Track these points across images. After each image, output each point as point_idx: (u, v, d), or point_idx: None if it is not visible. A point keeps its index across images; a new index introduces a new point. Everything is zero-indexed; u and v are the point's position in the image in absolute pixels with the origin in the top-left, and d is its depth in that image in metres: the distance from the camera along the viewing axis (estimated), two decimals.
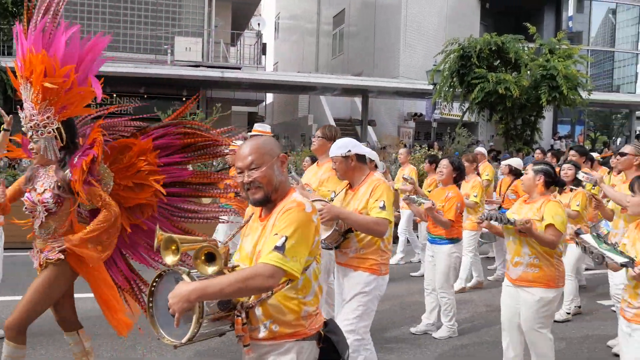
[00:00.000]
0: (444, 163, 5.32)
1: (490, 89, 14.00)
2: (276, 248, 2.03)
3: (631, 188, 3.20)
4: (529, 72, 14.64)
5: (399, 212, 8.23)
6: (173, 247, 2.20)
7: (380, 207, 3.37)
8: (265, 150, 2.23)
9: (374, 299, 3.56)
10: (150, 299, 2.20)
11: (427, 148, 14.58)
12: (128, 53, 19.97)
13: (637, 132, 29.07)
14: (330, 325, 2.30)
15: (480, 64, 14.52)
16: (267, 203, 2.25)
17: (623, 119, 31.33)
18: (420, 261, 7.92)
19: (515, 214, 3.92)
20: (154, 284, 2.21)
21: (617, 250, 2.96)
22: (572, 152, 7.33)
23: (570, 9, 31.23)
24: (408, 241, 8.60)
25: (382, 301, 6.38)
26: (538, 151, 7.86)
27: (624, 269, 2.95)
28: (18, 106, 3.40)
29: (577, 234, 3.13)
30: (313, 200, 3.49)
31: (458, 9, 24.99)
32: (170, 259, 2.20)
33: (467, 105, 15.72)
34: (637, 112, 31.22)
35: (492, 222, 3.80)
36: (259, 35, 23.30)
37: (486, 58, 14.74)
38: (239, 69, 21.04)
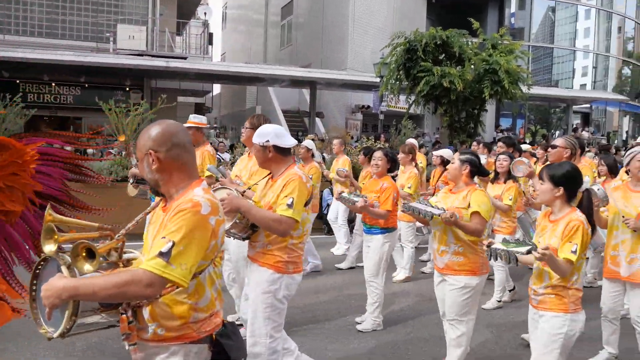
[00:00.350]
0: (378, 155, 5.30)
1: (435, 82, 14.22)
2: (160, 254, 1.88)
3: (540, 177, 3.29)
4: (472, 66, 14.95)
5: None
6: (55, 236, 2.06)
7: (288, 205, 3.20)
8: (139, 145, 2.13)
9: (282, 299, 3.39)
10: (34, 282, 2.08)
11: (373, 140, 14.72)
12: (68, 40, 19.22)
13: (574, 126, 30.29)
14: (228, 329, 2.20)
15: (425, 58, 14.73)
16: (162, 195, 2.15)
17: (561, 113, 32.57)
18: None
19: (440, 202, 3.99)
20: (39, 267, 2.09)
21: (521, 243, 3.07)
22: (499, 143, 7.52)
23: (512, 6, 32.14)
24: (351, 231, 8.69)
25: (327, 291, 6.48)
26: (474, 143, 7.99)
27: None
28: None
29: (489, 246, 3.21)
30: (216, 190, 3.43)
31: (405, 3, 25.31)
32: (49, 247, 2.05)
33: (413, 98, 15.93)
34: (574, 107, 32.52)
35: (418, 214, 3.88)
36: (205, 24, 22.88)
37: (432, 52, 14.96)
38: (185, 58, 20.60)
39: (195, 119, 5.68)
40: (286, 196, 3.23)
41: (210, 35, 23.46)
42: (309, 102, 23.03)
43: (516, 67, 14.75)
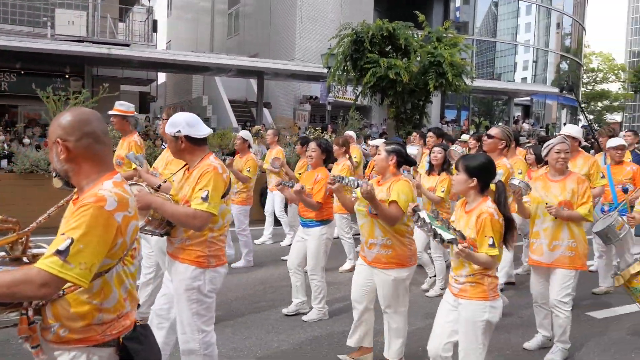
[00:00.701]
0: (312, 146, 5.21)
1: (381, 73, 14.33)
2: (58, 252, 1.76)
3: (456, 167, 3.37)
4: (418, 58, 15.16)
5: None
6: None
7: (202, 198, 3.05)
8: (49, 132, 2.02)
9: (208, 293, 3.26)
10: None
11: (321, 131, 14.75)
12: (2, 24, 18.33)
13: (515, 118, 31.27)
14: (138, 331, 2.09)
15: (372, 49, 14.82)
16: (73, 187, 2.05)
17: (503, 105, 33.53)
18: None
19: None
20: None
21: (447, 228, 3.08)
22: (429, 133, 7.65)
23: (457, 0, 32.80)
24: (277, 222, 8.75)
25: (272, 282, 6.47)
26: (414, 133, 8.06)
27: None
28: None
29: (414, 210, 3.25)
30: (130, 184, 3.31)
31: None
32: None
33: (360, 89, 16.03)
34: (515, 99, 33.57)
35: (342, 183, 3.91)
36: (149, 11, 22.32)
37: (378, 43, 15.05)
38: (128, 46, 20.02)
39: (120, 107, 5.41)
40: (201, 189, 3.08)
41: (155, 23, 22.90)
42: (257, 92, 22.85)
43: (460, 60, 15.05)
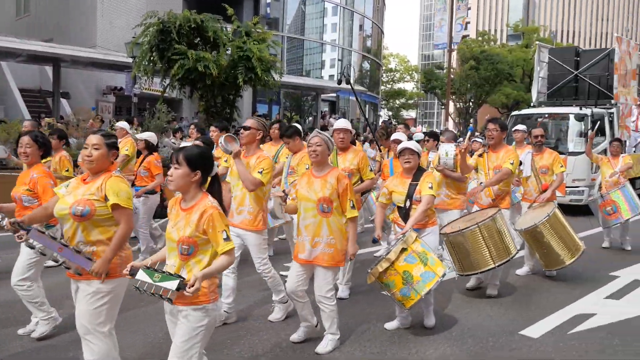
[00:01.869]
0: (25, 141, 4.52)
1: (190, 66, 13.97)
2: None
3: (176, 160, 3.01)
4: (227, 52, 15.08)
5: None
6: None
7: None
8: None
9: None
10: None
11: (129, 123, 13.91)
12: None
13: (322, 113, 32.87)
14: None
15: (180, 41, 14.37)
16: None
17: (312, 101, 35.01)
18: None
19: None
20: None
21: (169, 275, 2.82)
22: (212, 127, 7.65)
23: None
24: None
25: None
26: (212, 128, 7.88)
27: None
28: None
29: (132, 274, 2.92)
30: None
31: None
32: None
33: (167, 81, 15.47)
34: (322, 95, 35.27)
35: None
36: None
37: (186, 35, 14.64)
38: None
39: None
40: None
41: None
42: (52, 81, 20.81)
43: (268, 56, 15.30)
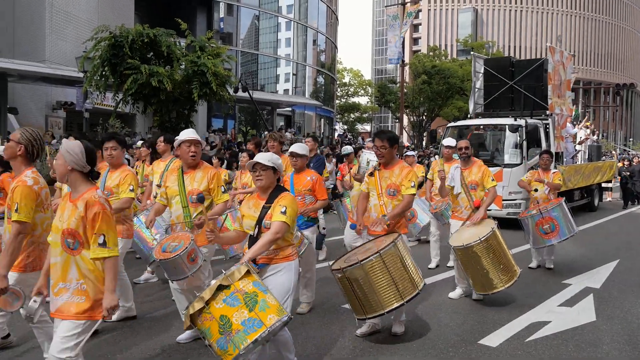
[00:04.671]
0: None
1: (143, 80, 13.80)
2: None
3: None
4: (181, 67, 14.95)
5: None
6: None
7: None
8: None
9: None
10: None
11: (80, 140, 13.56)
12: None
13: (279, 127, 32.88)
14: None
15: (133, 55, 14.17)
16: None
17: (268, 115, 34.98)
18: None
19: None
20: None
21: None
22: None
23: (221, 11, 33.31)
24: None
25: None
26: (139, 142, 7.93)
27: None
28: None
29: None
30: None
31: None
32: None
33: (120, 96, 15.19)
34: (277, 109, 35.33)
35: None
36: None
37: (139, 49, 14.47)
38: None
39: None
40: None
41: None
42: None
43: (223, 70, 15.25)
